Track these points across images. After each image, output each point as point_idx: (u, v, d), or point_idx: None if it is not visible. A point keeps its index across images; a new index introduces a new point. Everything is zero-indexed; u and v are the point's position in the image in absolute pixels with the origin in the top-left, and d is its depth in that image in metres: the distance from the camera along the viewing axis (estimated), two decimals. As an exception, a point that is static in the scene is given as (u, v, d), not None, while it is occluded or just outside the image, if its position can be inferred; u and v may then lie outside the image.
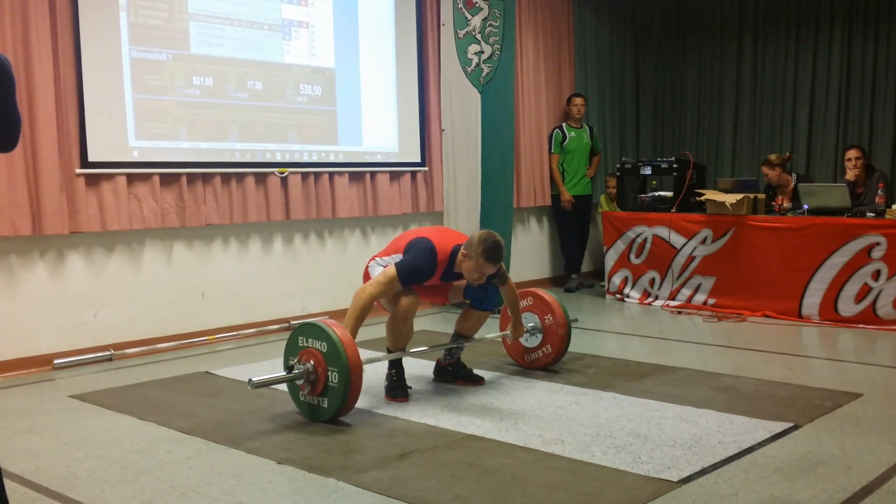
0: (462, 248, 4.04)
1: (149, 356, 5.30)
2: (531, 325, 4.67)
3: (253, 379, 3.66)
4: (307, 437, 3.56)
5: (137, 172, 5.28)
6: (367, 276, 4.29)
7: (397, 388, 4.17)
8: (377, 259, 4.28)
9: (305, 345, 3.75)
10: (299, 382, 3.76)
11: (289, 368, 3.79)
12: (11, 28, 4.69)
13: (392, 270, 3.96)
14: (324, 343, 3.66)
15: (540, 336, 4.69)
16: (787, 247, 6.18)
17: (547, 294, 4.74)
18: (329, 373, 3.64)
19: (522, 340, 4.72)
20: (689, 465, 3.10)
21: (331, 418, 3.70)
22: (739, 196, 6.40)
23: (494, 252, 3.95)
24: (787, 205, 6.56)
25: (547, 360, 4.69)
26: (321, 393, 3.69)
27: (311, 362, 3.70)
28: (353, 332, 3.84)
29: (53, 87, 4.88)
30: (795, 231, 6.15)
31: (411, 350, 4.31)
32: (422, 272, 4.03)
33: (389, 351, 4.19)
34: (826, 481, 2.94)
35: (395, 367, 4.22)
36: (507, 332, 4.61)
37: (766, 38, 8.63)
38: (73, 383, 4.64)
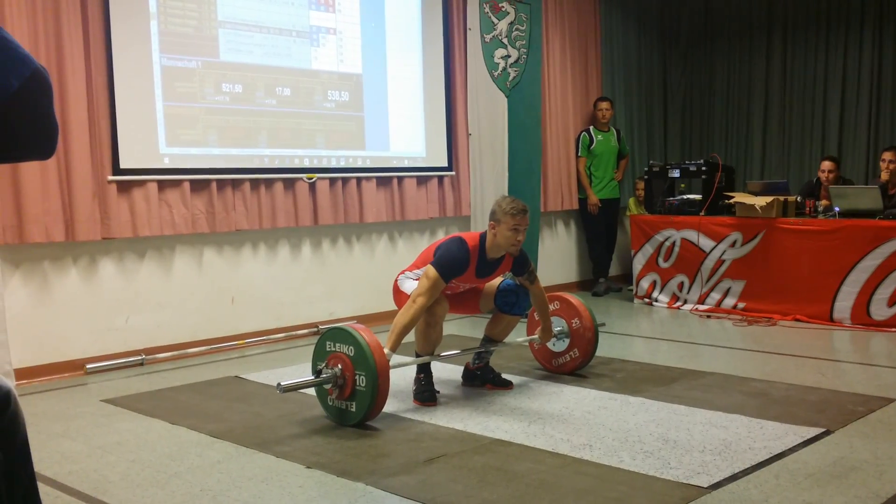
0: (488, 224, 4.08)
1: (179, 361, 5.35)
2: (558, 329, 4.66)
3: (281, 383, 3.69)
4: (336, 441, 3.58)
5: (168, 179, 5.34)
6: (396, 290, 4.30)
7: (426, 392, 4.18)
8: (406, 273, 4.29)
9: (333, 349, 3.77)
10: (327, 387, 3.78)
11: (317, 373, 3.81)
12: (45, 38, 4.77)
13: (432, 271, 3.95)
14: (351, 347, 3.68)
15: (567, 340, 4.67)
16: (818, 250, 6.11)
17: (574, 298, 4.73)
18: (357, 377, 3.66)
19: (549, 345, 4.71)
20: (719, 471, 3.08)
21: (359, 422, 3.72)
22: (769, 198, 6.34)
23: (517, 204, 4.00)
24: None
25: (574, 365, 4.68)
26: (349, 397, 3.71)
27: (339, 366, 3.72)
28: (398, 344, 3.85)
29: (86, 96, 4.95)
30: (827, 234, 6.08)
31: (440, 355, 4.31)
32: (459, 261, 4.03)
33: (418, 355, 4.20)
34: (859, 487, 2.91)
35: (424, 372, 4.23)
36: (535, 336, 4.61)
37: (796, 39, 8.55)
38: (105, 388, 4.70)
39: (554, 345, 4.71)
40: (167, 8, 5.33)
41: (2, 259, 4.55)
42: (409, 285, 4.19)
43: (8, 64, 1.26)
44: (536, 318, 4.59)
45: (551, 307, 4.67)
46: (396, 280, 4.34)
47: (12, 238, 4.69)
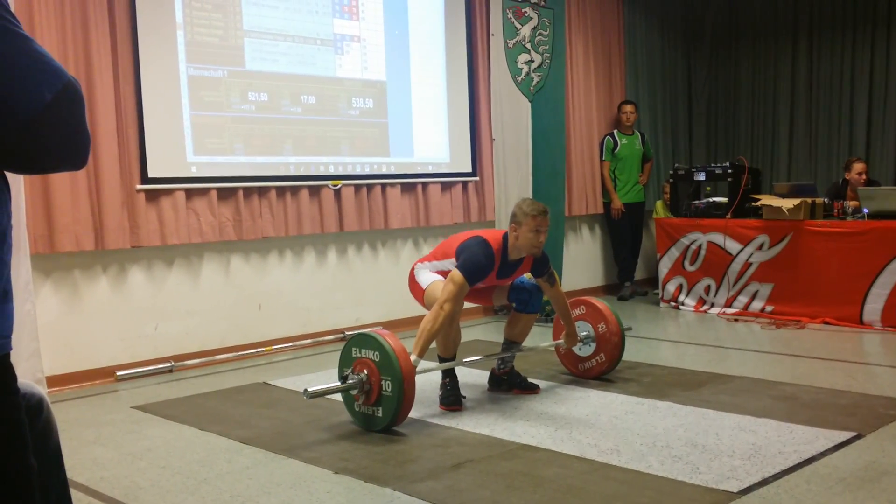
0: (509, 226, 4.10)
1: (208, 367, 5.40)
2: (584, 333, 4.65)
3: (308, 389, 3.71)
4: (363, 447, 3.60)
5: (195, 187, 5.39)
6: (412, 280, 4.34)
7: (451, 396, 4.18)
8: (424, 263, 4.31)
9: (359, 355, 3.79)
10: (353, 392, 3.79)
11: (343, 378, 3.83)
12: (73, 50, 4.84)
13: (458, 276, 3.95)
14: (377, 353, 3.70)
15: (593, 345, 4.66)
16: (846, 252, 6.05)
17: (600, 302, 4.72)
18: (383, 382, 3.67)
19: (576, 349, 4.70)
20: (749, 476, 3.05)
21: (385, 427, 3.73)
22: (797, 201, 6.29)
23: (538, 206, 4.04)
24: None
25: (601, 370, 4.67)
26: (375, 402, 3.72)
27: (365, 372, 3.73)
28: (425, 350, 3.85)
29: (114, 106, 5.02)
30: (855, 236, 6.02)
31: (464, 360, 4.31)
32: (483, 266, 4.04)
33: (441, 359, 4.21)
34: (891, 492, 2.87)
35: (449, 377, 4.23)
36: (561, 341, 4.60)
37: (822, 39, 8.48)
38: (135, 394, 4.75)
39: (580, 349, 4.70)
40: (193, 18, 5.39)
41: (33, 268, 4.61)
42: (426, 276, 4.22)
43: (40, 76, 1.29)
44: (562, 323, 4.58)
45: (576, 312, 4.67)
46: (413, 269, 4.36)
47: (43, 247, 4.76)
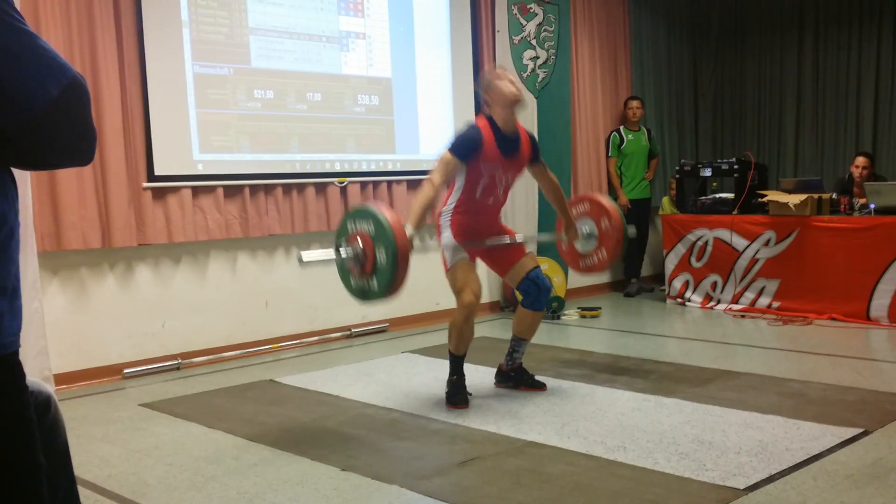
0: (483, 105, 4.16)
1: (215, 365, 5.41)
2: (587, 230, 4.61)
3: (303, 255, 3.66)
4: (370, 444, 3.60)
5: (202, 185, 5.40)
6: (437, 223, 4.28)
7: (457, 395, 4.18)
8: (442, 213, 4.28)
9: (354, 229, 3.70)
10: (349, 264, 3.71)
11: (337, 248, 3.74)
12: (80, 49, 4.85)
13: (446, 154, 3.97)
14: (370, 223, 3.61)
15: (595, 242, 4.62)
16: (853, 247, 6.04)
17: (604, 198, 4.68)
18: (377, 251, 3.58)
19: (577, 246, 4.65)
20: (756, 473, 3.05)
21: (380, 298, 3.64)
22: (803, 196, 6.27)
23: (496, 69, 4.09)
24: None
25: (602, 266, 4.64)
26: (371, 273, 3.63)
27: (360, 243, 3.64)
28: (419, 220, 3.84)
29: (120, 105, 5.02)
30: (862, 231, 6.01)
31: (476, 359, 4.30)
32: (471, 137, 4.01)
33: (451, 356, 4.21)
34: (898, 489, 2.87)
35: (456, 374, 4.23)
36: (562, 235, 4.59)
37: (828, 34, 8.45)
38: (142, 392, 4.77)
39: (582, 246, 4.65)
40: (199, 16, 5.39)
41: (40, 266, 4.62)
42: (448, 235, 4.19)
43: (46, 72, 1.29)
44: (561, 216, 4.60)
45: (580, 208, 4.65)
46: (438, 216, 4.30)
47: (50, 245, 4.78)
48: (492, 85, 4.05)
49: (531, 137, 4.27)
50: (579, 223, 4.60)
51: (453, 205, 4.19)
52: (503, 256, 4.33)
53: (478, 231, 4.18)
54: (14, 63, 1.26)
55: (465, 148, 3.98)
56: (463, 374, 4.24)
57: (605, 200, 4.65)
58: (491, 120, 4.09)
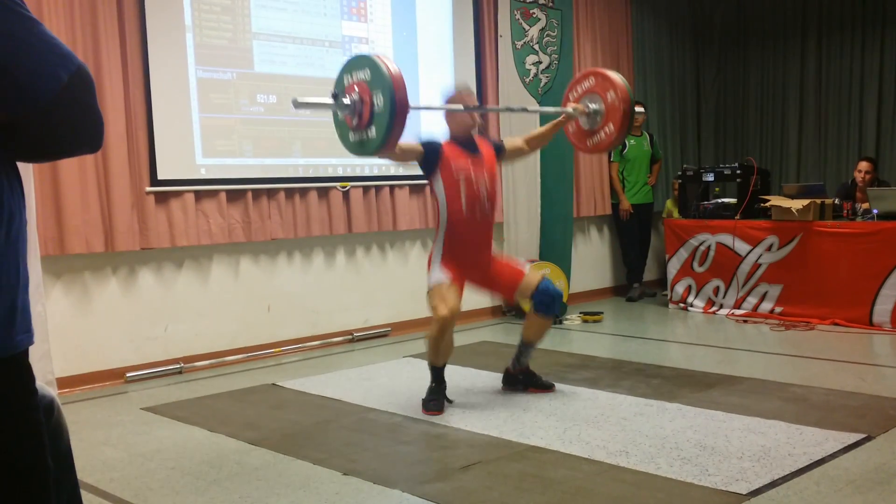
0: (445, 120, 4.29)
1: (217, 369, 5.41)
2: (594, 107, 4.47)
3: (297, 98, 3.61)
4: (372, 448, 3.60)
5: (205, 189, 5.41)
6: (430, 259, 4.28)
7: (433, 401, 4.13)
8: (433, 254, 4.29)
9: (350, 80, 3.65)
10: (346, 116, 3.66)
11: (333, 96, 3.67)
12: (83, 53, 4.85)
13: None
14: (367, 70, 3.55)
15: (602, 117, 4.47)
16: (856, 253, 6.03)
17: (609, 71, 4.52)
18: (374, 97, 3.52)
19: (583, 124, 4.54)
20: (758, 478, 3.05)
21: (379, 147, 3.58)
22: (806, 201, 6.27)
23: (458, 84, 4.17)
24: None
25: (609, 141, 4.48)
26: (368, 122, 3.58)
27: (356, 92, 3.59)
28: None
29: (124, 109, 5.04)
30: (865, 236, 6.00)
31: (478, 363, 4.30)
32: (432, 141, 4.20)
33: (432, 368, 4.18)
34: (901, 494, 2.87)
35: (437, 381, 4.20)
36: (568, 109, 4.49)
37: (831, 38, 8.45)
38: (145, 396, 4.77)
39: (588, 123, 4.52)
40: (202, 21, 5.41)
41: (43, 270, 4.63)
42: (437, 267, 4.19)
43: (56, 59, 1.30)
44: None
45: (586, 84, 4.54)
46: (431, 253, 4.33)
47: (53, 249, 4.78)
48: (451, 114, 4.23)
49: (485, 138, 4.42)
50: (584, 99, 4.50)
51: (442, 241, 4.19)
52: (503, 282, 4.34)
53: (469, 264, 4.19)
54: (25, 50, 1.26)
55: (430, 144, 4.17)
56: (444, 382, 4.21)
57: (612, 73, 4.48)
58: (451, 138, 4.27)
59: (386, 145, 3.58)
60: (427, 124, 6.59)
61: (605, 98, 4.43)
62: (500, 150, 4.42)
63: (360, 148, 3.69)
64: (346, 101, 3.61)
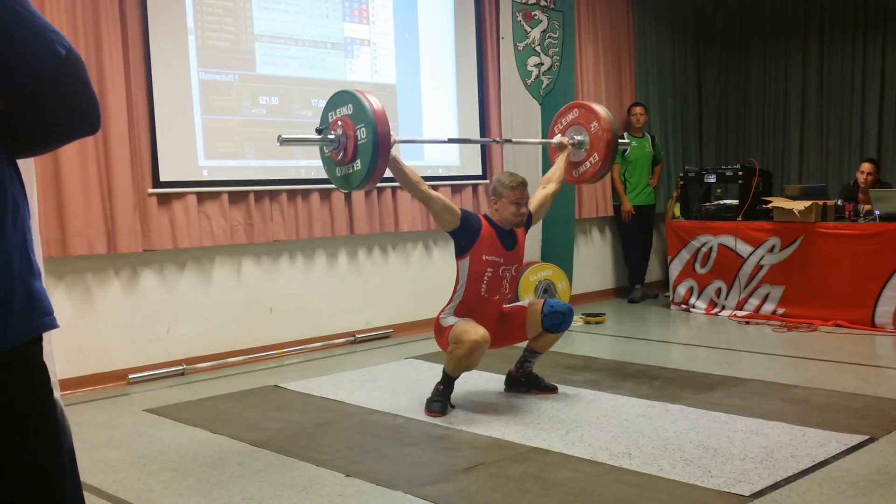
0: (490, 201, 4.20)
1: (219, 370, 5.41)
2: (579, 138, 4.62)
3: (282, 136, 3.68)
4: (374, 449, 3.60)
5: (207, 191, 5.41)
6: (438, 329, 4.23)
7: (437, 402, 4.12)
8: (446, 310, 4.23)
9: (334, 115, 3.72)
10: (330, 149, 3.72)
11: (318, 131, 3.75)
12: (85, 55, 4.85)
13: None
14: (349, 105, 3.63)
15: (586, 150, 4.62)
16: (858, 254, 6.03)
17: (594, 104, 4.67)
18: (357, 131, 3.59)
19: (571, 157, 4.65)
20: (761, 479, 3.05)
21: (364, 180, 3.64)
22: (808, 203, 6.27)
23: (516, 178, 4.13)
24: None
25: (594, 170, 4.62)
26: (353, 156, 3.65)
27: (340, 126, 3.66)
28: (397, 159, 3.90)
29: (126, 111, 5.04)
30: (867, 238, 6.00)
31: (482, 365, 4.27)
32: (474, 217, 4.13)
33: (445, 374, 4.17)
34: (904, 496, 2.86)
35: (445, 384, 4.17)
36: (553, 141, 4.66)
37: (832, 42, 8.45)
38: (147, 397, 4.77)
39: (574, 155, 4.66)
40: (204, 23, 5.41)
41: (46, 272, 4.64)
42: (451, 320, 4.14)
43: (52, 35, 1.30)
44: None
45: (570, 116, 4.69)
46: (438, 318, 4.26)
47: (56, 251, 4.79)
48: (503, 197, 4.12)
49: (525, 224, 4.32)
50: (569, 132, 4.62)
51: (457, 303, 4.17)
52: (513, 327, 4.32)
53: (483, 316, 4.16)
54: (22, 24, 1.26)
55: (468, 220, 4.08)
56: (452, 388, 4.19)
57: (595, 105, 4.65)
58: (489, 219, 4.18)
59: (371, 178, 3.65)
60: (429, 130, 6.60)
61: (589, 129, 4.59)
62: (529, 221, 4.35)
63: (346, 182, 3.78)
64: (331, 136, 3.69)
